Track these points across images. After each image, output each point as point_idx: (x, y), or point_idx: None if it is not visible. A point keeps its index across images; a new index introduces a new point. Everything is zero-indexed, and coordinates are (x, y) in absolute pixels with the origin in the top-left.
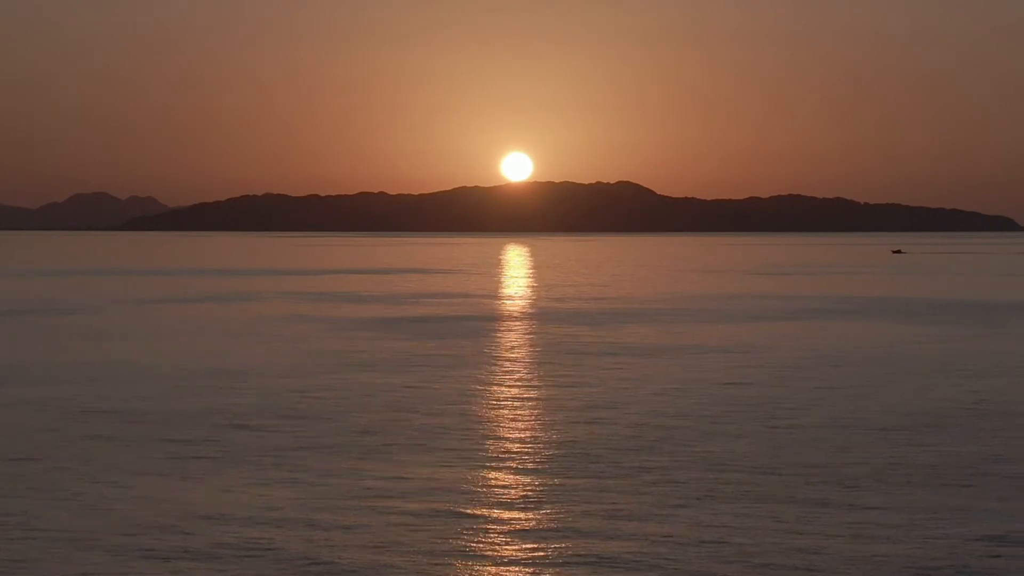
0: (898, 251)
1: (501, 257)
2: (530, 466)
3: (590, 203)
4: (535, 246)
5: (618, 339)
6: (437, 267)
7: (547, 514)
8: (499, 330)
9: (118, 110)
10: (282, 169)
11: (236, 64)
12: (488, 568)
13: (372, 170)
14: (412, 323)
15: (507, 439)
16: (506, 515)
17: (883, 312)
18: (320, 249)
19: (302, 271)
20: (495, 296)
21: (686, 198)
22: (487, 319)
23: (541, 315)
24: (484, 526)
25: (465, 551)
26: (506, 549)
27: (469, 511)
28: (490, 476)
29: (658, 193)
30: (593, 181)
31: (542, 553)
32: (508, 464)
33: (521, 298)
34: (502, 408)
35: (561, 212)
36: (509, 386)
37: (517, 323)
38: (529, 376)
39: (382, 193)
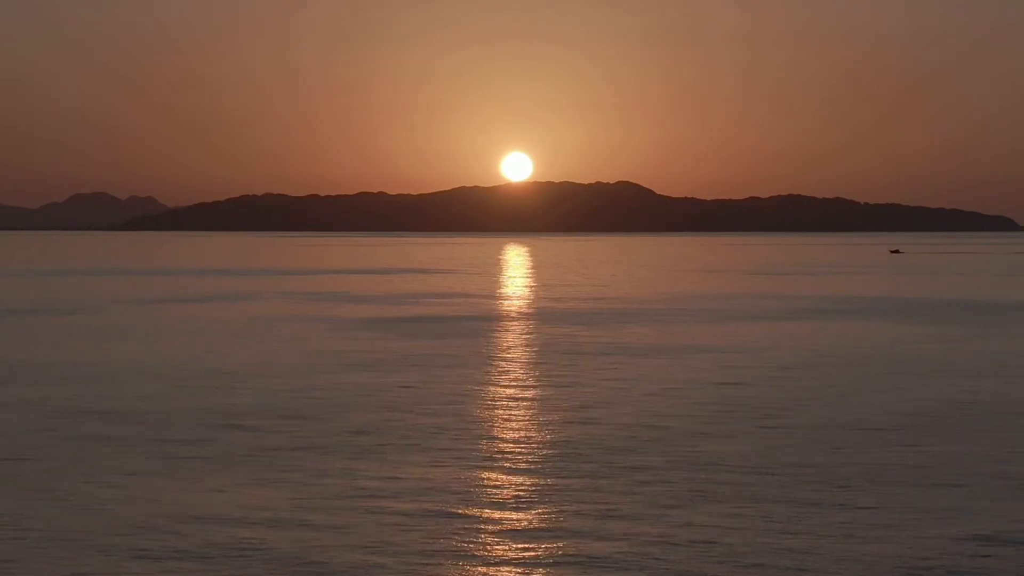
0: (896, 251)
1: (500, 257)
2: (523, 466)
3: (590, 203)
4: (535, 246)
5: (615, 339)
6: (436, 267)
7: (539, 514)
8: (496, 330)
9: (118, 110)
10: (282, 169)
11: (236, 64)
12: (479, 568)
13: (372, 170)
14: (409, 323)
15: (501, 439)
16: (498, 515)
17: (882, 312)
18: (320, 249)
19: (301, 271)
20: (493, 296)
21: (686, 198)
22: (484, 319)
23: (538, 315)
24: (476, 526)
25: (456, 551)
26: (497, 549)
27: (461, 511)
28: (483, 476)
29: (658, 193)
30: (593, 181)
31: (533, 553)
32: (501, 464)
33: (519, 298)
34: (496, 408)
35: (561, 212)
36: (504, 386)
37: (514, 323)
38: (524, 376)
39: (382, 193)
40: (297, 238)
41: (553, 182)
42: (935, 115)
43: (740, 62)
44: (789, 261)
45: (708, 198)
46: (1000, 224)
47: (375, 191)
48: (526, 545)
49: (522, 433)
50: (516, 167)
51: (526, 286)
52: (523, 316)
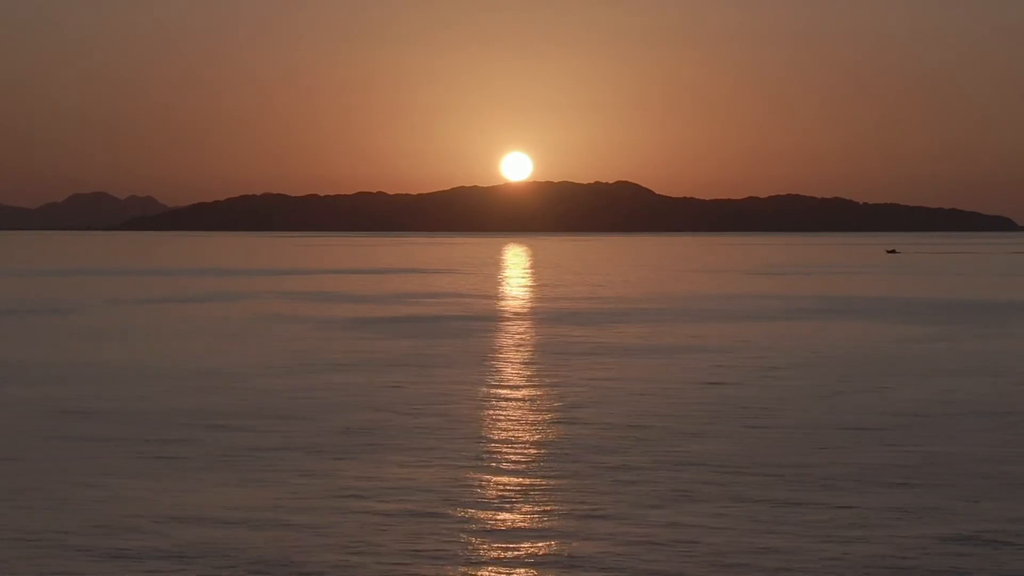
0: (892, 251)
1: (498, 257)
2: (507, 466)
3: (589, 203)
4: (534, 246)
5: (608, 339)
6: (435, 267)
7: (521, 514)
8: (489, 330)
9: (118, 110)
10: (281, 169)
11: (236, 64)
12: (459, 568)
13: (371, 170)
14: (404, 323)
15: (487, 439)
16: (480, 515)
17: (881, 312)
18: (319, 249)
19: (300, 271)
20: (488, 296)
21: (685, 198)
22: (479, 319)
23: (533, 315)
24: (458, 526)
25: (437, 551)
26: (479, 549)
27: (444, 511)
28: (467, 476)
29: (657, 193)
30: (592, 181)
31: (514, 553)
32: (486, 464)
33: (514, 298)
34: (484, 408)
35: (560, 212)
36: (493, 386)
37: (508, 323)
38: (514, 376)
39: (381, 193)
40: (296, 238)
41: (552, 182)
42: (935, 115)
43: (740, 62)
44: (788, 261)
45: (707, 198)
46: (999, 224)
47: (374, 191)
48: (508, 545)
49: (508, 433)
50: (516, 167)
51: (522, 286)
52: (518, 316)
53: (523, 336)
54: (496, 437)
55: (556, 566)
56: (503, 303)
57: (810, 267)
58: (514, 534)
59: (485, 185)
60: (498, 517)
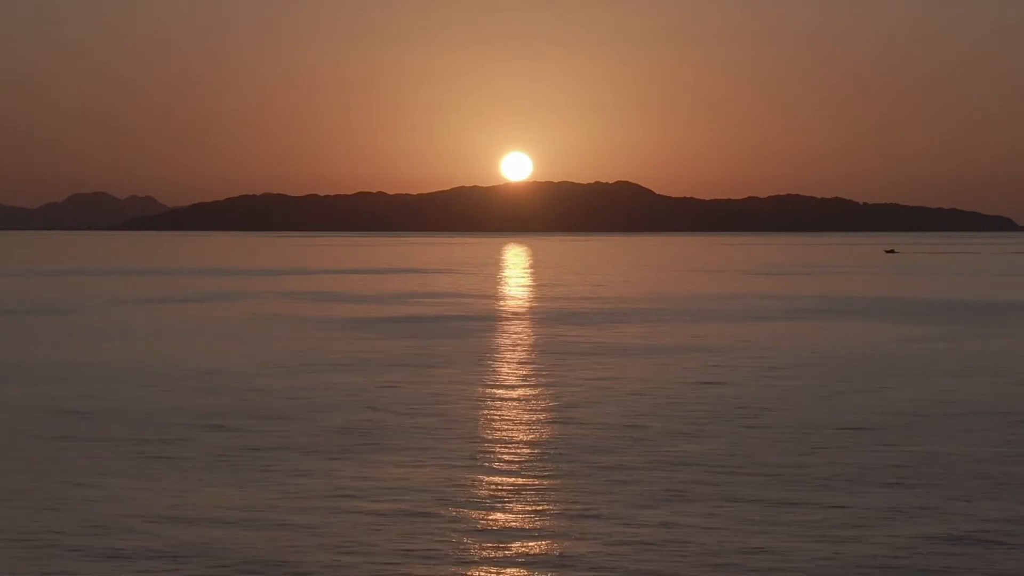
0: (891, 251)
1: (499, 257)
2: (502, 466)
3: (589, 203)
4: (534, 246)
5: (606, 339)
6: (435, 267)
7: (515, 514)
8: (487, 330)
9: (118, 110)
10: (281, 169)
11: (236, 64)
12: (451, 568)
13: (371, 170)
14: (402, 323)
15: (482, 439)
16: (474, 514)
17: (881, 312)
18: (319, 249)
19: (300, 271)
20: (487, 296)
21: (685, 198)
22: (478, 319)
23: (532, 315)
24: (451, 526)
25: (430, 551)
26: (471, 549)
27: (437, 511)
28: (461, 476)
29: (657, 193)
30: (592, 181)
31: (506, 553)
32: (480, 464)
33: (513, 298)
34: (480, 408)
35: (560, 212)
36: (489, 386)
37: (509, 323)
38: (510, 376)
39: (381, 193)
40: (296, 238)
41: (552, 182)
42: (935, 115)
43: (740, 62)
44: (788, 261)
45: (707, 198)
46: (999, 224)
47: (374, 191)
48: (500, 545)
49: (505, 433)
50: (515, 167)
51: (522, 286)
52: (517, 316)
53: (522, 336)
54: (492, 437)
55: (548, 566)
56: (503, 303)
57: (810, 267)
58: (506, 534)
59: (485, 185)
60: (491, 517)
